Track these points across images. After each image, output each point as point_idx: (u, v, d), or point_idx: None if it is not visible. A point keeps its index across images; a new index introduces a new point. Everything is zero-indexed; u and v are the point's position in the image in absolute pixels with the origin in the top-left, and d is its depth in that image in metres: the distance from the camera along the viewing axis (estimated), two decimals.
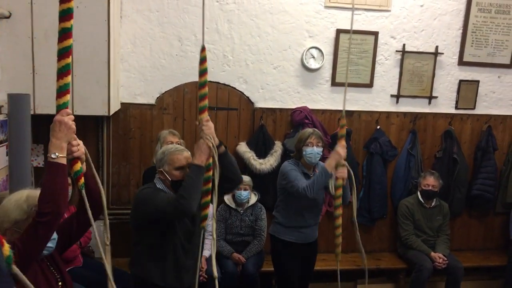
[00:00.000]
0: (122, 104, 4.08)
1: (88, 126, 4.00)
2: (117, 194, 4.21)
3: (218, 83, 4.24)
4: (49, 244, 1.89)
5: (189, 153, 2.57)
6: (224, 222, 4.08)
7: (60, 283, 2.03)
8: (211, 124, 2.37)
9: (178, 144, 3.54)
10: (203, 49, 2.27)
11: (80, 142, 1.81)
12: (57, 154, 1.72)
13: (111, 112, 3.54)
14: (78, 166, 1.81)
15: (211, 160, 2.38)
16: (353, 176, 2.99)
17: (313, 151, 3.22)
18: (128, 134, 4.18)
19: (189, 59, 4.14)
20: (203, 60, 2.30)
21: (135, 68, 4.10)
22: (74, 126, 1.76)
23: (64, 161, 1.73)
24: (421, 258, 4.23)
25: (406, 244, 4.41)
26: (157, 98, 4.18)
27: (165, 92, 4.18)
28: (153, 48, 4.09)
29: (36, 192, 1.86)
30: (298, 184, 3.12)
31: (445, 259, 4.21)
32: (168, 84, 4.17)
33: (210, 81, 4.23)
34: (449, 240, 4.45)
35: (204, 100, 2.33)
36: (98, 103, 3.39)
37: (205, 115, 2.36)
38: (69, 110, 1.76)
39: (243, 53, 4.24)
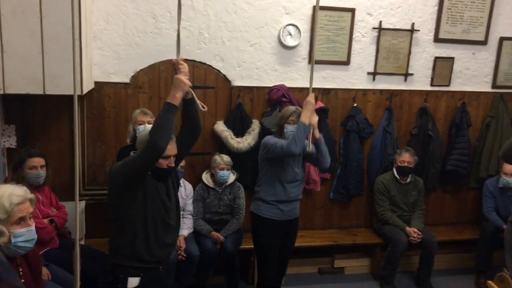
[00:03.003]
0: (95, 83, 3.99)
1: (61, 106, 3.91)
2: (93, 175, 4.15)
3: (194, 61, 4.16)
4: (28, 245, 1.99)
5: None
6: (202, 201, 4.07)
7: (23, 280, 2.08)
8: (186, 65, 2.46)
9: (150, 123, 3.47)
10: None
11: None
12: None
13: (84, 91, 3.46)
14: None
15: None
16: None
17: (293, 128, 3.23)
18: (102, 114, 4.09)
19: (164, 36, 4.06)
20: None
21: (109, 46, 4.00)
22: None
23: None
24: (396, 233, 4.31)
25: (382, 220, 4.49)
26: (132, 76, 4.10)
27: (140, 70, 4.10)
28: (126, 25, 3.99)
29: (20, 191, 1.95)
30: (281, 143, 3.20)
31: (420, 233, 4.30)
32: (143, 62, 4.08)
33: (186, 59, 4.15)
34: (423, 215, 4.54)
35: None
36: (70, 82, 3.28)
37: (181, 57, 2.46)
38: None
39: (219, 30, 4.17)
